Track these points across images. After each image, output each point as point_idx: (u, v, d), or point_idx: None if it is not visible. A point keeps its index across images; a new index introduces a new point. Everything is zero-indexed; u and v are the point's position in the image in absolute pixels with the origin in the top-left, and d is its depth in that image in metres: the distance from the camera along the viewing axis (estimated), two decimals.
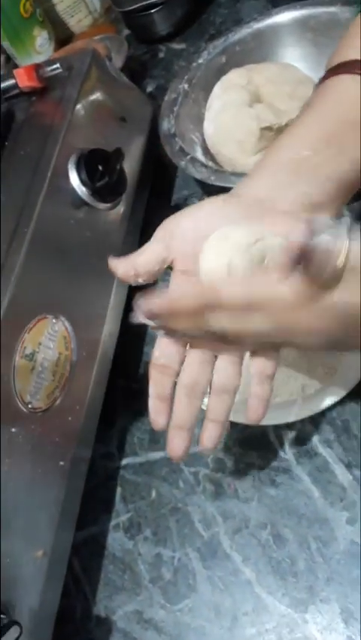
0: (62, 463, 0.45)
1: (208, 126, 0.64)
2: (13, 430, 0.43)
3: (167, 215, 0.69)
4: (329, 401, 0.47)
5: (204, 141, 0.65)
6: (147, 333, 0.62)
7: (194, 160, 0.60)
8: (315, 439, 0.48)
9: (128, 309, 0.57)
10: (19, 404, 0.44)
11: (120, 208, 0.59)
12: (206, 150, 0.65)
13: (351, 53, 0.41)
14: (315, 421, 0.49)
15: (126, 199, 0.60)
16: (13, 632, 0.36)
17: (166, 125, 0.64)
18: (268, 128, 0.59)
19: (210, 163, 0.61)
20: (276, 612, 0.43)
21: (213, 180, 0.57)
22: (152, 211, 0.69)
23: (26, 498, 0.42)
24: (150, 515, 0.50)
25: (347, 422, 0.48)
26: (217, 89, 0.64)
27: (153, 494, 0.51)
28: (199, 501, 0.49)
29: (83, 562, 0.50)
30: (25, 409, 0.44)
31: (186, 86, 0.67)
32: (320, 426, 0.49)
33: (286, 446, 0.49)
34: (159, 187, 0.71)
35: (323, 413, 0.49)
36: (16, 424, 0.43)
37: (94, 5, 0.97)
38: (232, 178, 0.55)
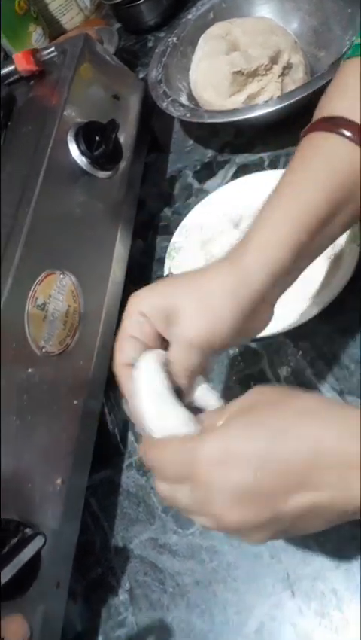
0: (75, 402, 0.49)
1: (192, 74, 0.72)
2: (30, 370, 0.46)
3: (163, 186, 0.74)
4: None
5: (190, 89, 0.73)
6: None
7: (174, 101, 0.68)
8: (308, 372, 0.52)
9: (130, 265, 0.62)
10: (34, 348, 0.48)
11: (118, 177, 0.63)
12: (191, 97, 0.72)
13: (338, 107, 0.40)
14: (308, 356, 0.52)
15: (123, 169, 0.64)
16: (38, 541, 0.39)
17: (154, 73, 0.71)
18: (240, 72, 0.66)
19: (190, 105, 0.69)
20: None
21: (188, 117, 0.65)
22: (149, 183, 0.73)
23: (44, 430, 0.46)
24: None
25: (338, 355, 0.52)
26: (201, 40, 0.71)
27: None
28: None
29: (99, 500, 0.53)
30: (39, 353, 0.48)
31: (175, 39, 0.75)
32: (314, 362, 0.52)
33: (283, 382, 0.52)
34: (153, 163, 0.75)
35: (315, 349, 0.52)
36: (32, 365, 0.47)
37: (84, 3, 1.02)
38: (205, 116, 0.64)
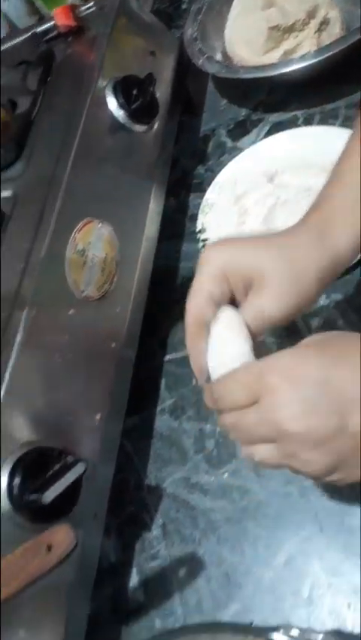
0: (113, 345, 0.51)
1: (227, 32, 0.72)
2: (71, 312, 0.48)
3: (196, 145, 0.74)
4: None
5: (225, 48, 0.73)
6: (180, 251, 0.67)
7: (210, 58, 0.68)
8: (340, 323, 0.53)
9: (163, 223, 0.63)
10: (74, 291, 0.49)
11: (153, 134, 0.64)
12: (226, 56, 0.72)
13: None
14: (339, 307, 0.53)
15: (157, 127, 0.65)
16: (79, 467, 0.41)
17: (190, 31, 0.72)
18: (276, 28, 0.66)
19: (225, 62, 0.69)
20: None
21: (224, 73, 0.66)
22: (183, 142, 0.74)
23: (84, 369, 0.48)
24: (192, 398, 0.55)
25: None
26: None
27: (194, 380, 0.56)
28: None
29: (133, 443, 0.55)
30: (79, 296, 0.50)
31: None
32: (345, 313, 0.53)
33: (314, 333, 0.53)
34: (187, 123, 0.76)
35: (347, 301, 0.53)
36: (73, 307, 0.49)
37: None
38: (241, 71, 0.65)
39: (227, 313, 0.37)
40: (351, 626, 0.42)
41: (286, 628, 0.35)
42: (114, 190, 0.57)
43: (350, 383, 0.31)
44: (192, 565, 0.48)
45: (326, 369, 0.32)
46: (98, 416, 0.48)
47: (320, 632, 0.35)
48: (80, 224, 0.52)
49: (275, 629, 0.35)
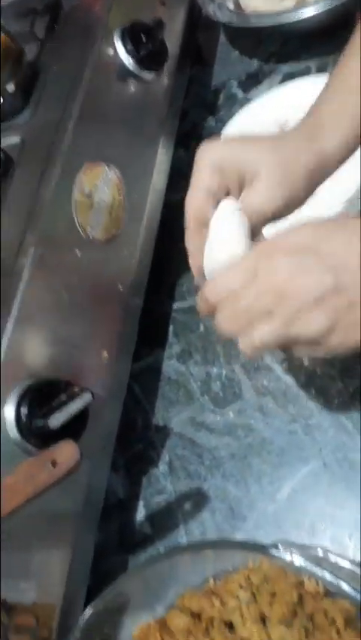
0: (120, 288, 0.52)
1: None
2: (78, 252, 0.49)
3: (207, 97, 0.73)
4: None
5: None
6: None
7: (221, 5, 0.67)
8: None
9: (172, 174, 0.63)
10: (81, 233, 0.50)
11: (162, 83, 0.63)
12: (238, 6, 0.70)
13: None
14: None
15: (167, 77, 0.64)
16: (86, 397, 0.42)
17: None
18: None
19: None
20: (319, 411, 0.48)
21: (235, 22, 0.65)
22: (193, 95, 0.74)
23: (91, 306, 0.49)
24: (199, 344, 0.56)
25: None
26: None
27: (201, 327, 0.57)
28: None
29: (141, 386, 0.56)
30: (86, 238, 0.50)
31: None
32: None
33: None
34: (197, 75, 0.75)
35: None
36: (80, 247, 0.49)
37: None
38: (252, 19, 0.63)
39: (227, 207, 0.38)
40: (352, 554, 0.42)
41: (285, 544, 0.36)
42: (122, 137, 0.57)
43: (342, 248, 0.32)
44: (197, 499, 0.49)
45: (320, 237, 0.33)
46: (105, 354, 0.49)
47: (318, 546, 0.35)
48: (87, 166, 0.52)
49: (275, 545, 0.36)
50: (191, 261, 0.41)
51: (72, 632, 0.38)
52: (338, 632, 0.33)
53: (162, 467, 0.52)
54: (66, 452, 0.35)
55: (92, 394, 0.43)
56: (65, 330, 0.46)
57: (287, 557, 0.35)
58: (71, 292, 0.47)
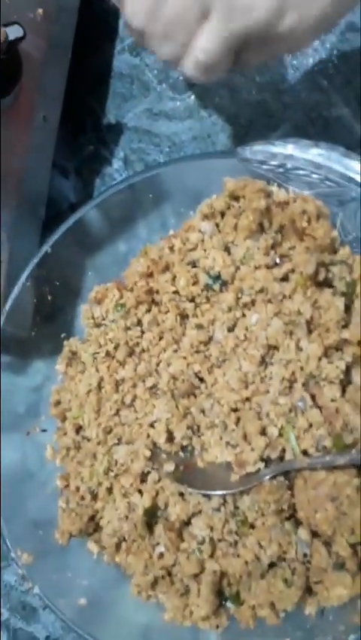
0: None
1: None
2: None
3: None
4: None
5: None
6: None
7: None
8: None
9: None
10: None
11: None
12: None
13: None
14: None
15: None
16: (16, 30, 0.35)
17: None
18: None
19: None
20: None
21: None
22: None
23: None
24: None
25: None
26: None
27: None
28: None
29: (89, 87, 0.49)
30: None
31: None
32: None
33: None
34: None
35: None
36: None
37: None
38: None
39: None
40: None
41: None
42: None
43: None
44: (156, 189, 0.44)
45: None
46: (40, 10, 0.40)
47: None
48: None
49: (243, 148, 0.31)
50: None
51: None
52: (308, 221, 0.30)
53: (117, 164, 0.46)
54: None
55: (23, 29, 0.36)
56: None
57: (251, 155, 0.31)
58: None
